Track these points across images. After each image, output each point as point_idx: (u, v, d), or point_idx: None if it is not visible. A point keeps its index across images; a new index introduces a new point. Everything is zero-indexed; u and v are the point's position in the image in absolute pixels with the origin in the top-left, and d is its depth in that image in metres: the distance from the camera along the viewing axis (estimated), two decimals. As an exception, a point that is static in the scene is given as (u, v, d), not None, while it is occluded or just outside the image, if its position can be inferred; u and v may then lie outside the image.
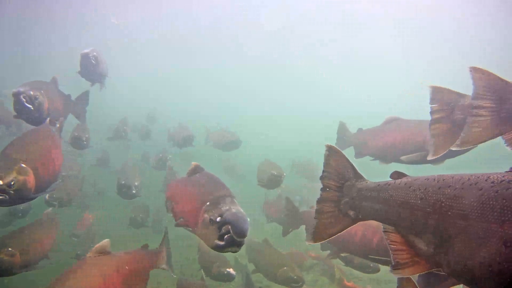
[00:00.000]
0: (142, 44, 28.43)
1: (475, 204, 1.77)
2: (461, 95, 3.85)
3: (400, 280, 3.08)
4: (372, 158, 5.84)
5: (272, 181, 7.41)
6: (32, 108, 5.04)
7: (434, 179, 2.06)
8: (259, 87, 31.43)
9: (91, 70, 6.94)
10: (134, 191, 7.27)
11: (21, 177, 3.94)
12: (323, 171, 2.70)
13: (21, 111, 5.05)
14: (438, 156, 3.80)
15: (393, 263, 2.22)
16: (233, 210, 3.36)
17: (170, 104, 22.92)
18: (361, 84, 29.89)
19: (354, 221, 2.56)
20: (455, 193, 1.89)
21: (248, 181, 8.17)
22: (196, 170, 4.18)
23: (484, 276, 1.72)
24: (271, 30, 28.92)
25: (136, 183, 7.34)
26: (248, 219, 3.36)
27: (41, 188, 4.26)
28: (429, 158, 3.84)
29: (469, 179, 1.88)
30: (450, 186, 1.94)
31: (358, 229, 4.27)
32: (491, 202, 1.71)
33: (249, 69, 31.63)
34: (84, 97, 6.62)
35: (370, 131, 6.21)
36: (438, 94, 3.92)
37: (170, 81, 30.10)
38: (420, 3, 25.10)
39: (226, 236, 3.24)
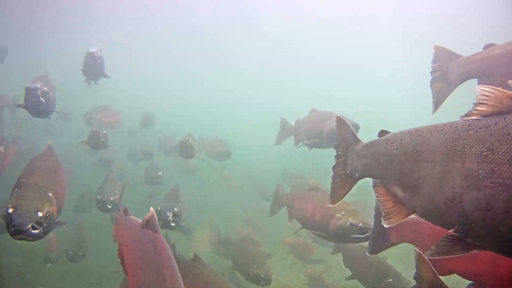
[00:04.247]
0: (139, 49, 28.60)
1: (440, 146, 2.01)
2: (455, 55, 4.06)
3: (419, 267, 3.21)
4: (301, 144, 6.78)
5: (182, 147, 7.79)
6: (44, 102, 5.76)
7: (409, 132, 2.30)
8: (256, 92, 31.23)
9: (94, 69, 7.22)
10: (109, 206, 7.22)
11: (51, 208, 3.73)
12: (337, 140, 2.93)
13: (35, 104, 5.73)
14: (435, 112, 4.21)
15: (383, 214, 2.40)
16: None
17: (166, 109, 22.93)
18: (361, 87, 29.69)
19: (355, 180, 2.77)
20: (424, 140, 2.13)
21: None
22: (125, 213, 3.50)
23: (449, 210, 1.95)
24: (269, 35, 28.99)
25: (111, 198, 7.23)
26: None
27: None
28: (432, 113, 4.20)
29: (437, 126, 2.12)
30: (420, 134, 2.18)
31: (309, 207, 5.04)
32: (453, 143, 1.94)
33: (247, 72, 31.58)
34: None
35: (300, 121, 7.13)
36: (438, 54, 4.19)
37: (166, 87, 29.97)
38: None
39: None
